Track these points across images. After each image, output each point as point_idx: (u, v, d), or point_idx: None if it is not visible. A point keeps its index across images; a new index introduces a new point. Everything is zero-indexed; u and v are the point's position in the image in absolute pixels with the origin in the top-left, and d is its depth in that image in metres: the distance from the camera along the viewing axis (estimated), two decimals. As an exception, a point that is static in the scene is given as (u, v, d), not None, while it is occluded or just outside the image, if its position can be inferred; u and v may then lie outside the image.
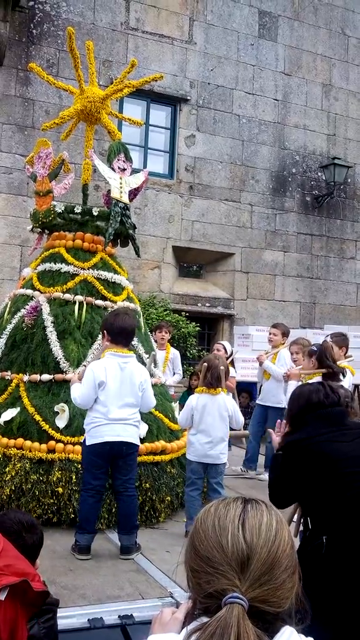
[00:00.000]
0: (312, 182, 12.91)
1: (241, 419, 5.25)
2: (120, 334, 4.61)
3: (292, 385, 6.00)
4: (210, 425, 5.02)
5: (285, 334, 7.52)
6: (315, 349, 5.66)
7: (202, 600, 1.23)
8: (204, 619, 1.19)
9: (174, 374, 7.97)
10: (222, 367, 5.04)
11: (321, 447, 2.83)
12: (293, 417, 3.08)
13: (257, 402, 7.68)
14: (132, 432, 4.57)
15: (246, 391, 10.57)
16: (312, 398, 3.01)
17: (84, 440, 4.58)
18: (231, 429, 5.32)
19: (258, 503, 1.30)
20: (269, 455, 7.27)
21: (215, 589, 1.19)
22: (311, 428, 2.92)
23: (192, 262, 12.38)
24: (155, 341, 7.28)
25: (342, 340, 6.53)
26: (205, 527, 1.26)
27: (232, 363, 7.85)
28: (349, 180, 13.15)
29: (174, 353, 8.00)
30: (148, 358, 5.80)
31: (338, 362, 5.84)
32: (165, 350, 7.81)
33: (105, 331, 4.76)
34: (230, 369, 7.57)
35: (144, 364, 5.47)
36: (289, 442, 2.96)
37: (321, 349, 5.59)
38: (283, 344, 7.43)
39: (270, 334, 7.58)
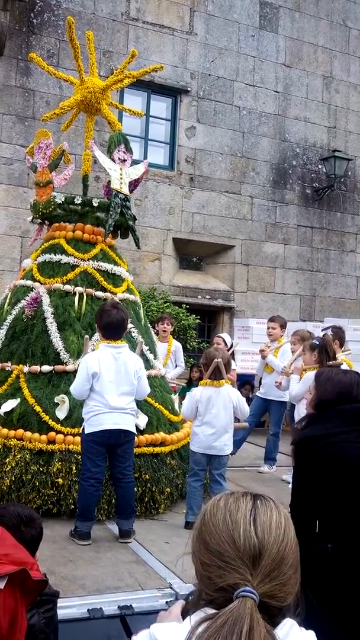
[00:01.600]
0: (313, 175, 12.88)
1: (246, 409, 5.24)
2: (108, 328, 4.70)
3: (295, 379, 6.00)
4: (215, 417, 5.02)
5: (283, 326, 7.52)
6: (317, 342, 5.65)
7: (210, 593, 1.24)
8: (209, 610, 1.21)
9: (176, 366, 7.96)
10: (219, 359, 5.03)
11: (340, 448, 2.64)
12: (323, 403, 2.83)
13: (257, 394, 7.69)
14: (130, 421, 4.66)
15: (248, 383, 10.59)
16: (352, 391, 2.80)
17: (83, 428, 4.63)
18: (237, 420, 5.35)
19: (266, 499, 1.31)
20: (270, 448, 7.31)
21: (227, 583, 1.20)
22: (331, 424, 2.72)
23: (192, 254, 12.37)
24: (157, 333, 7.27)
25: (335, 333, 6.54)
26: (216, 520, 1.27)
27: (232, 355, 7.85)
28: (350, 173, 13.12)
29: (176, 345, 7.99)
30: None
31: (337, 356, 5.84)
32: (168, 343, 7.80)
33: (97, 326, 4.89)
34: (231, 361, 7.59)
35: (143, 355, 5.48)
36: (305, 438, 2.76)
37: (323, 343, 5.57)
38: (282, 336, 7.44)
39: (268, 327, 7.58)
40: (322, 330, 6.23)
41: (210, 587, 1.23)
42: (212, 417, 5.03)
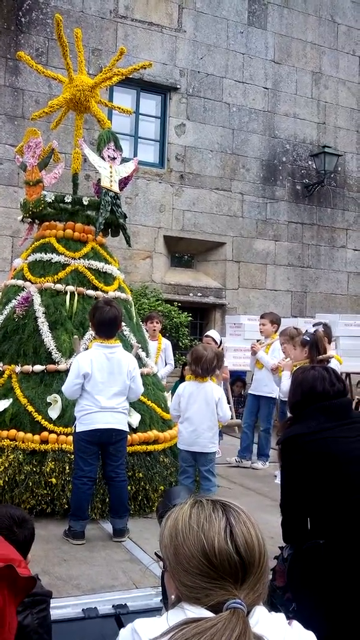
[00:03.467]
0: (303, 171, 12.89)
1: (226, 409, 5.18)
2: (101, 326, 4.68)
3: (286, 376, 5.99)
4: (195, 414, 5.03)
5: (275, 322, 7.50)
6: (308, 339, 5.64)
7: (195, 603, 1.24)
8: (187, 606, 1.22)
9: (166, 364, 7.96)
10: (209, 358, 5.02)
11: (326, 444, 2.63)
12: (295, 405, 2.85)
13: (250, 391, 7.71)
14: (121, 419, 4.66)
15: (240, 380, 10.60)
16: (316, 386, 2.80)
17: (75, 427, 4.64)
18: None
19: (237, 512, 1.29)
20: (263, 444, 7.32)
21: (215, 601, 1.20)
22: (314, 421, 2.71)
23: (183, 251, 12.36)
24: (147, 331, 7.27)
25: (324, 330, 6.55)
26: (190, 544, 1.24)
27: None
28: (339, 168, 13.14)
29: (166, 343, 8.00)
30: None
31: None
32: (157, 341, 7.80)
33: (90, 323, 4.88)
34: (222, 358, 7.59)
35: (136, 353, 5.47)
36: (290, 437, 2.75)
37: (314, 339, 5.57)
38: (275, 332, 7.44)
39: (260, 324, 7.60)
40: (313, 326, 6.21)
41: (197, 604, 1.22)
42: (192, 413, 5.04)
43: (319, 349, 5.52)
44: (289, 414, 3.01)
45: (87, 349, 5.14)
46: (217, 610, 1.18)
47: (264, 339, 7.51)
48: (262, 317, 7.67)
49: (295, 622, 1.32)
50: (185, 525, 1.27)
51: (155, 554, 1.44)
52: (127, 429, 4.79)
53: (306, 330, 6.35)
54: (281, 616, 1.29)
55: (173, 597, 1.30)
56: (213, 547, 1.21)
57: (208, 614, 1.19)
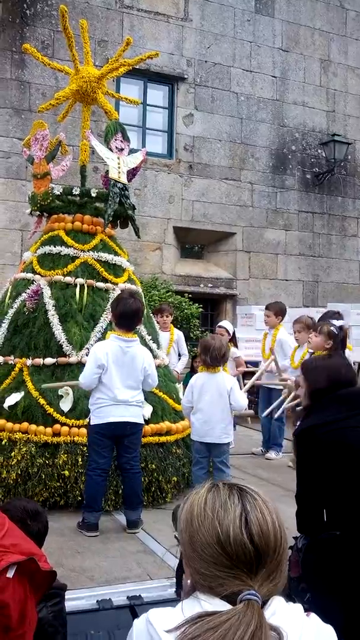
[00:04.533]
0: (312, 160, 12.80)
1: (239, 397, 5.14)
2: (122, 318, 4.65)
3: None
4: (208, 404, 5.01)
5: (279, 313, 7.43)
6: (337, 332, 5.57)
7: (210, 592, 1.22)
8: (202, 597, 1.20)
9: (179, 355, 7.93)
10: (218, 346, 4.99)
11: (343, 434, 2.59)
12: (318, 392, 2.77)
13: (261, 384, 7.66)
14: (135, 412, 4.65)
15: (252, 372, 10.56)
16: (340, 372, 2.75)
17: (89, 419, 4.63)
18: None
19: (254, 497, 1.26)
20: (275, 434, 7.30)
21: (229, 591, 1.18)
22: (330, 411, 2.67)
23: (193, 242, 12.33)
24: (158, 323, 7.25)
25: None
26: (205, 531, 1.22)
27: (235, 342, 7.83)
28: (349, 156, 13.04)
29: (178, 334, 7.96)
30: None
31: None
32: (169, 332, 7.77)
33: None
34: (234, 349, 7.56)
35: (146, 345, 5.46)
36: (306, 428, 2.71)
37: (342, 334, 5.53)
38: (280, 323, 7.39)
39: (264, 315, 7.56)
40: (329, 316, 6.12)
41: (212, 594, 1.20)
42: (204, 404, 5.02)
43: (344, 344, 5.50)
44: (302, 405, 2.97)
45: (99, 341, 5.13)
46: (232, 600, 1.16)
47: (269, 329, 7.47)
48: (266, 308, 7.61)
49: (313, 615, 1.29)
50: (201, 511, 1.24)
51: (175, 537, 1.42)
52: (142, 421, 4.78)
53: (322, 317, 6.28)
54: (298, 607, 1.26)
55: (189, 582, 1.28)
56: (228, 536, 1.19)
57: (223, 604, 1.17)
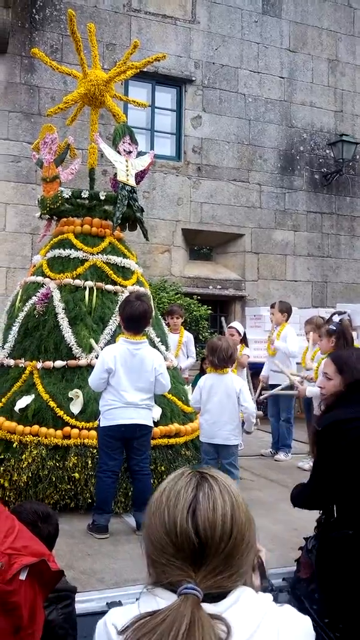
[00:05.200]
0: (321, 160, 12.78)
1: (249, 398, 5.15)
2: (129, 321, 4.65)
3: (312, 392, 5.89)
4: (216, 406, 5.02)
5: (285, 311, 7.47)
6: (334, 328, 5.57)
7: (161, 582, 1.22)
8: (157, 591, 1.20)
9: (187, 357, 7.95)
10: (225, 347, 5.00)
11: None
12: (356, 383, 2.79)
13: (270, 383, 7.66)
14: (145, 415, 4.65)
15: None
16: None
17: (99, 421, 4.65)
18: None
19: (211, 485, 1.23)
20: (284, 435, 7.29)
21: (170, 580, 1.17)
22: (354, 407, 2.68)
23: (202, 244, 12.34)
24: (168, 325, 7.26)
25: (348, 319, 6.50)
26: (156, 518, 1.22)
27: (245, 342, 7.84)
28: (358, 156, 13.01)
29: (188, 336, 7.97)
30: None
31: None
32: (179, 334, 7.79)
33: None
34: (246, 348, 7.59)
35: (155, 347, 5.47)
36: (331, 423, 2.72)
37: (340, 328, 5.51)
38: (286, 320, 7.42)
39: (270, 314, 7.62)
40: (338, 315, 6.13)
41: (159, 581, 1.21)
42: (213, 405, 5.03)
43: (346, 338, 5.46)
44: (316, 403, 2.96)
45: (108, 344, 5.16)
46: (173, 587, 1.16)
47: (275, 327, 7.50)
48: (271, 306, 7.71)
49: (287, 606, 1.28)
50: (159, 497, 1.25)
51: None
52: (151, 424, 4.79)
53: (329, 318, 6.29)
54: (267, 597, 1.24)
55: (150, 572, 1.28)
56: (175, 525, 1.18)
57: (174, 598, 1.15)
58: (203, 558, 1.16)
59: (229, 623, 1.10)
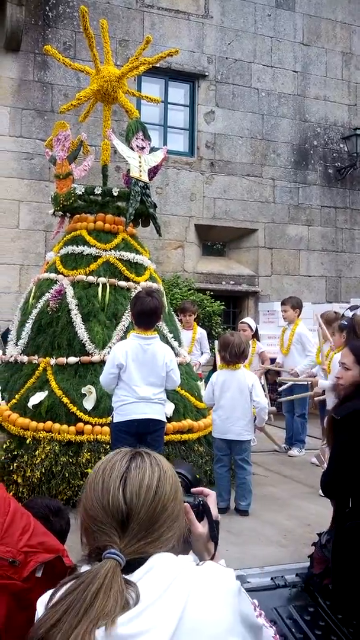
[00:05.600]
0: (334, 154, 12.71)
1: (261, 394, 5.15)
2: (140, 317, 4.65)
3: (323, 385, 5.90)
4: (229, 401, 5.03)
5: (297, 307, 7.45)
6: (345, 323, 5.56)
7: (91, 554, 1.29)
8: (85, 567, 1.26)
9: (202, 353, 7.95)
10: (237, 343, 5.00)
11: None
12: None
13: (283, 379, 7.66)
14: (158, 409, 4.64)
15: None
16: None
17: (112, 417, 4.66)
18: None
19: (143, 459, 1.33)
20: (298, 430, 7.28)
21: (98, 545, 1.25)
22: None
23: (215, 239, 12.32)
24: (180, 321, 7.27)
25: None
26: (91, 488, 1.31)
27: (257, 339, 7.83)
28: (373, 150, 12.92)
29: (201, 332, 7.97)
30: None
31: None
32: (192, 330, 7.79)
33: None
34: (258, 343, 7.58)
35: (168, 343, 5.48)
36: (352, 412, 2.74)
37: (351, 323, 5.49)
38: (298, 316, 7.40)
39: (282, 310, 7.57)
40: (351, 310, 6.11)
41: (90, 547, 1.28)
42: (226, 401, 5.03)
43: (356, 333, 5.44)
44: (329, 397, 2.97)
45: (121, 340, 5.18)
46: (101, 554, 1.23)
47: (287, 324, 7.48)
48: (282, 303, 7.64)
49: (209, 562, 1.35)
50: (96, 470, 1.34)
51: None
52: (164, 418, 4.77)
53: (342, 315, 6.27)
54: (187, 558, 1.30)
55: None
56: (107, 493, 1.27)
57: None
58: (128, 524, 1.25)
59: (139, 590, 1.15)
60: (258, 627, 1.29)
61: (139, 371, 4.56)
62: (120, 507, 1.25)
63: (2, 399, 5.53)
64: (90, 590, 1.13)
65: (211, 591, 1.19)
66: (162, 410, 4.74)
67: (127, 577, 1.18)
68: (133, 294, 5.63)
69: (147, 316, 4.64)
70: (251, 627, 1.25)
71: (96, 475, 1.32)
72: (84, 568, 1.24)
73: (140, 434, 4.60)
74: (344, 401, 2.87)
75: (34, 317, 5.77)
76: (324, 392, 6.01)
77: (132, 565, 1.21)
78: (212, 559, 1.54)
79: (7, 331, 6.62)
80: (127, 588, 1.15)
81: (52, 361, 5.43)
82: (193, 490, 1.57)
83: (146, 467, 1.31)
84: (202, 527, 1.54)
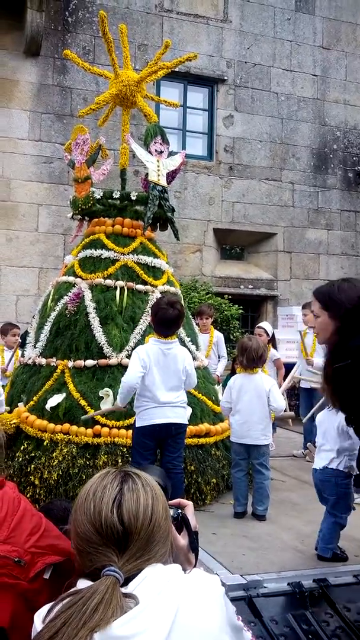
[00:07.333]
0: (355, 158, 12.64)
1: (279, 399, 5.13)
2: (161, 326, 4.67)
3: (319, 364, 5.88)
4: (246, 405, 5.01)
5: None
6: None
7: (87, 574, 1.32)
8: (83, 581, 1.29)
9: (219, 357, 7.93)
10: (255, 347, 4.99)
11: None
12: (350, 312, 2.51)
13: (301, 385, 7.61)
14: (180, 413, 4.67)
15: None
16: None
17: (134, 421, 4.67)
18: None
19: (134, 482, 1.36)
20: (307, 430, 7.22)
21: (96, 566, 1.28)
22: None
23: (233, 243, 12.30)
24: (197, 325, 7.26)
25: None
26: (82, 511, 1.34)
27: (274, 344, 7.79)
28: (393, 154, 12.83)
29: (218, 336, 7.95)
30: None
31: None
32: (209, 334, 7.78)
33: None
34: (273, 351, 7.53)
35: (185, 346, 5.48)
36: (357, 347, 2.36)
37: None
38: None
39: (302, 314, 7.53)
40: None
41: (86, 570, 1.31)
42: (243, 405, 5.02)
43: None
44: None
45: (139, 343, 5.19)
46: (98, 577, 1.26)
47: (308, 328, 7.43)
48: (303, 307, 7.60)
49: (195, 569, 1.41)
50: (85, 493, 1.37)
51: None
52: (186, 422, 4.80)
53: None
54: (176, 567, 1.34)
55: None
56: (100, 516, 1.30)
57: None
58: (127, 543, 1.29)
59: (139, 600, 1.21)
60: (239, 629, 1.36)
61: (161, 375, 4.58)
62: (117, 529, 1.29)
63: (20, 401, 5.56)
64: (89, 605, 1.17)
65: (201, 593, 1.28)
66: (184, 413, 4.76)
67: (123, 589, 1.23)
68: (151, 298, 5.65)
69: (166, 327, 4.66)
70: (234, 628, 1.33)
71: (86, 498, 1.35)
72: (81, 584, 1.28)
73: (162, 438, 4.62)
74: (335, 351, 2.53)
75: (52, 320, 5.80)
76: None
77: (128, 579, 1.26)
78: None
79: (26, 333, 6.65)
80: (126, 601, 1.20)
81: (70, 364, 5.45)
82: (170, 502, 1.58)
83: (139, 489, 1.35)
84: (182, 539, 1.57)
